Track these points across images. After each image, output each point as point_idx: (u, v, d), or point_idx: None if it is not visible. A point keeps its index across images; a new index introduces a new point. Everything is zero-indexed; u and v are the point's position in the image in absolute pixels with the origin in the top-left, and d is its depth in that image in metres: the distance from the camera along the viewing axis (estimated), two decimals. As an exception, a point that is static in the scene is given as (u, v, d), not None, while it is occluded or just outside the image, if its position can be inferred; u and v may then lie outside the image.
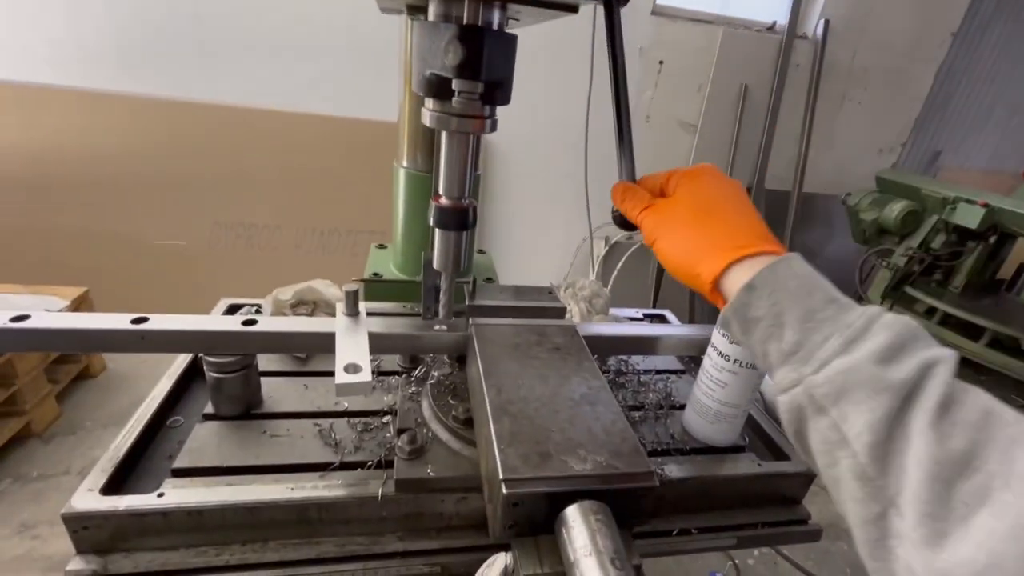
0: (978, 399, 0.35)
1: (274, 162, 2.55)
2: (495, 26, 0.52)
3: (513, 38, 0.54)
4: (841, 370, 0.38)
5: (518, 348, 0.64)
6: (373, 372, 0.80)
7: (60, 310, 2.13)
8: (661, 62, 2.86)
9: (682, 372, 0.94)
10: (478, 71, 0.49)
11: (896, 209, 2.62)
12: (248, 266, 2.68)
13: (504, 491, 0.43)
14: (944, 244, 2.51)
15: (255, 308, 0.90)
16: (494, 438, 0.48)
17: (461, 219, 0.63)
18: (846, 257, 3.49)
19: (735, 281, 0.45)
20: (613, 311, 1.05)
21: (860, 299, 2.92)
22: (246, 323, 0.64)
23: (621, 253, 3.11)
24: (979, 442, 0.33)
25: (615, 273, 3.10)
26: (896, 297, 2.60)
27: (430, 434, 0.66)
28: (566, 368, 0.61)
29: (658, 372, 0.91)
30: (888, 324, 0.40)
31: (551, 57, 2.39)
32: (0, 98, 2.26)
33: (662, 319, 1.14)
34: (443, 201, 0.62)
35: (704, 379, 0.73)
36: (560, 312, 0.75)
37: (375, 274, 1.06)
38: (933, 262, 2.51)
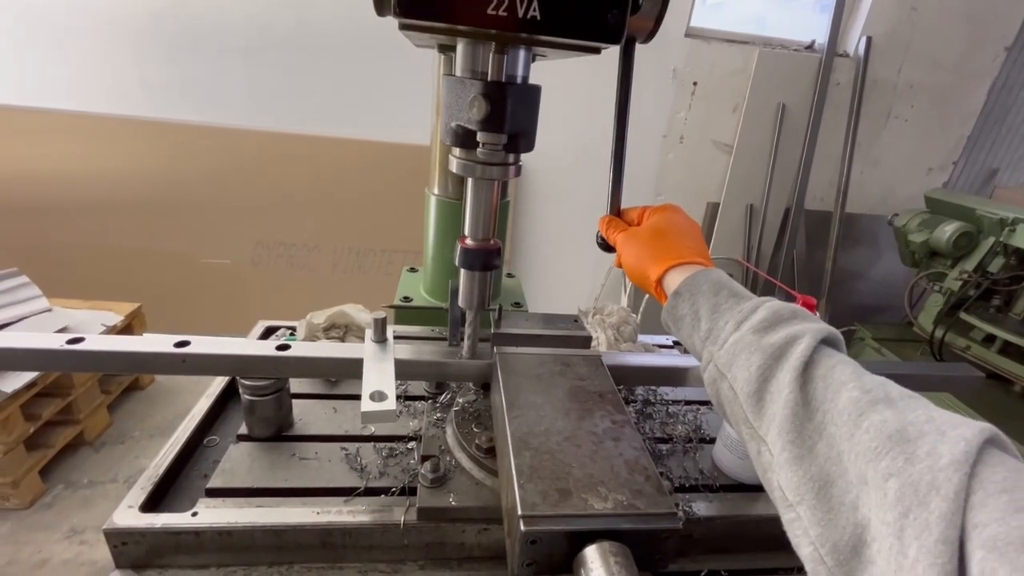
0: (830, 360, 0.43)
1: (313, 185, 2.65)
2: (519, 78, 0.54)
3: (536, 89, 0.56)
4: (733, 342, 0.48)
5: (541, 379, 0.64)
6: (399, 397, 0.81)
7: (115, 324, 2.26)
8: (695, 83, 2.84)
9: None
10: (502, 125, 0.51)
11: (948, 231, 2.49)
12: (288, 283, 2.78)
13: (522, 528, 0.43)
14: (1003, 267, 2.36)
15: (290, 331, 0.94)
16: (514, 472, 0.48)
17: (486, 260, 0.64)
18: (895, 280, 3.33)
19: (672, 282, 0.58)
20: (642, 338, 1.03)
21: (911, 324, 2.78)
22: (280, 348, 0.66)
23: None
24: (821, 389, 0.41)
25: (647, 296, 3.05)
26: (951, 323, 2.45)
27: (453, 462, 0.66)
28: (589, 401, 0.60)
29: (688, 403, 0.89)
30: (768, 306, 0.49)
31: (584, 78, 2.41)
32: (65, 128, 2.45)
33: (693, 346, 1.12)
34: (468, 243, 0.64)
35: (735, 413, 0.70)
36: (585, 341, 0.75)
37: (405, 298, 1.09)
38: (991, 287, 2.36)
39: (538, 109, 0.56)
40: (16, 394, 1.79)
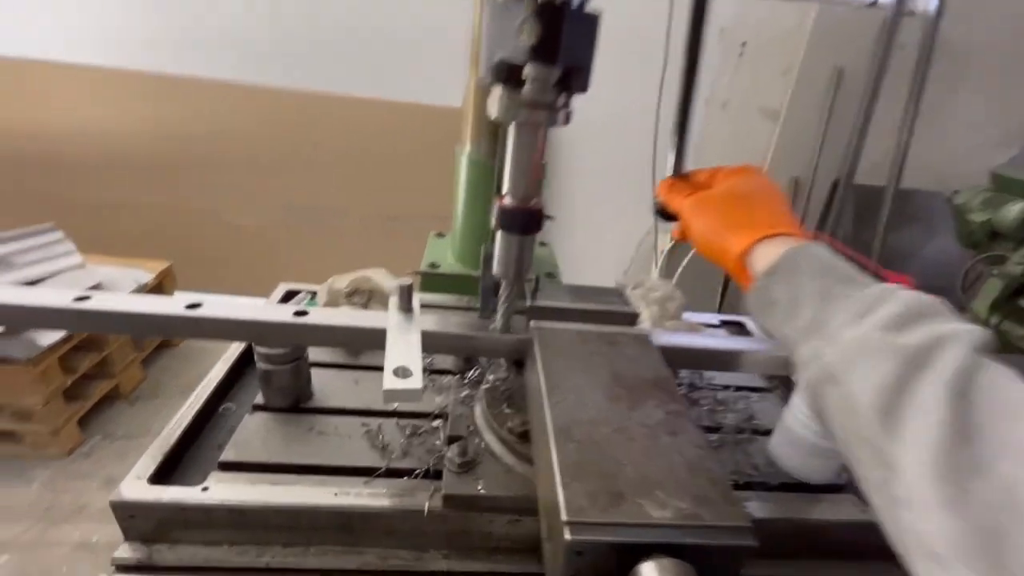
0: (993, 372, 0.34)
1: (343, 147, 2.60)
2: (575, 4, 0.45)
3: (595, 19, 0.47)
4: (851, 339, 0.39)
5: (584, 359, 0.57)
6: (425, 370, 0.76)
7: (147, 282, 2.28)
8: (744, 44, 2.63)
9: (767, 390, 0.83)
10: (555, 54, 0.43)
11: (1015, 210, 2.27)
12: (316, 247, 2.76)
13: (568, 537, 0.36)
14: (1076, 253, 2.16)
15: (311, 295, 0.88)
16: (556, 467, 0.41)
17: (527, 222, 0.56)
18: (948, 262, 3.10)
19: (761, 257, 0.47)
20: (685, 316, 0.95)
21: (963, 309, 2.60)
22: (297, 314, 0.61)
23: (688, 249, 2.92)
24: (986, 411, 0.32)
25: (680, 270, 2.91)
26: (1008, 310, 2.27)
27: (482, 444, 0.61)
28: (640, 386, 0.53)
29: (738, 389, 0.81)
30: (900, 297, 0.40)
31: (622, 38, 2.25)
32: (95, 83, 2.43)
33: (740, 327, 1.03)
34: (507, 202, 0.56)
35: (799, 404, 0.62)
36: (631, 318, 0.67)
37: (432, 265, 1.02)
38: (1059, 273, 2.17)
39: (596, 42, 0.47)
40: (54, 347, 1.83)
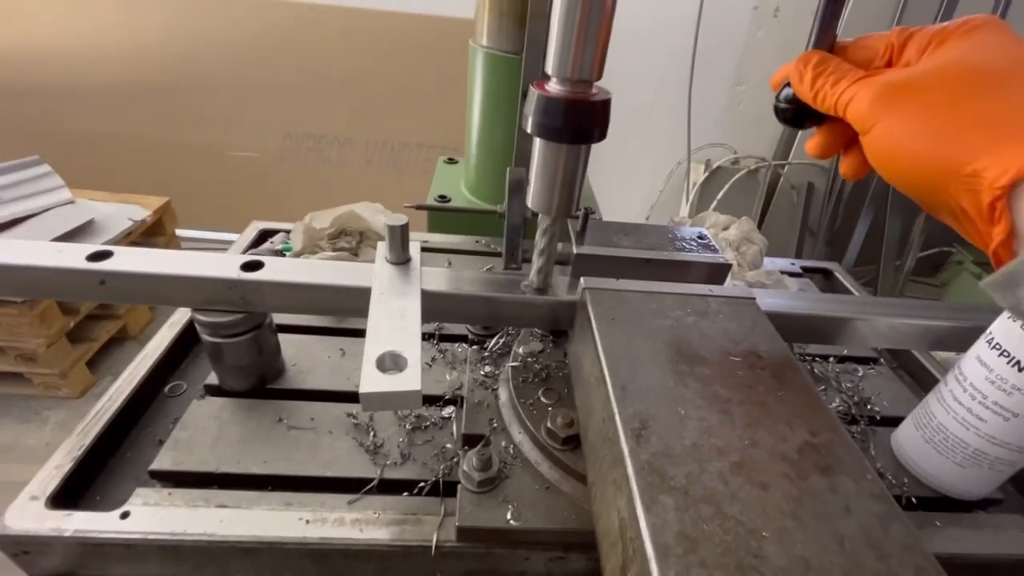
0: None
1: (345, 67, 2.34)
2: None
3: None
4: None
5: (667, 338, 0.38)
6: (429, 337, 0.58)
7: (144, 219, 2.14)
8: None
9: (874, 360, 0.64)
10: None
11: None
12: (319, 180, 2.58)
13: None
14: None
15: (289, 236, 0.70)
16: (649, 548, 0.24)
17: (584, 121, 0.34)
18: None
19: None
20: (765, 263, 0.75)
21: None
22: (247, 267, 0.43)
23: (724, 180, 2.62)
24: None
25: (713, 205, 2.63)
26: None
27: (511, 449, 0.44)
28: (758, 385, 0.34)
29: (841, 360, 0.62)
30: None
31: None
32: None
33: (826, 276, 0.82)
34: (553, 87, 0.34)
35: (961, 397, 0.44)
36: (720, 272, 0.47)
37: (441, 197, 0.82)
38: None
39: None
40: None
